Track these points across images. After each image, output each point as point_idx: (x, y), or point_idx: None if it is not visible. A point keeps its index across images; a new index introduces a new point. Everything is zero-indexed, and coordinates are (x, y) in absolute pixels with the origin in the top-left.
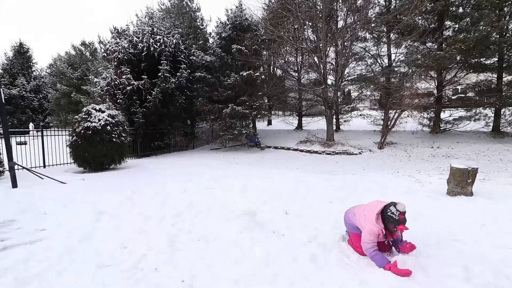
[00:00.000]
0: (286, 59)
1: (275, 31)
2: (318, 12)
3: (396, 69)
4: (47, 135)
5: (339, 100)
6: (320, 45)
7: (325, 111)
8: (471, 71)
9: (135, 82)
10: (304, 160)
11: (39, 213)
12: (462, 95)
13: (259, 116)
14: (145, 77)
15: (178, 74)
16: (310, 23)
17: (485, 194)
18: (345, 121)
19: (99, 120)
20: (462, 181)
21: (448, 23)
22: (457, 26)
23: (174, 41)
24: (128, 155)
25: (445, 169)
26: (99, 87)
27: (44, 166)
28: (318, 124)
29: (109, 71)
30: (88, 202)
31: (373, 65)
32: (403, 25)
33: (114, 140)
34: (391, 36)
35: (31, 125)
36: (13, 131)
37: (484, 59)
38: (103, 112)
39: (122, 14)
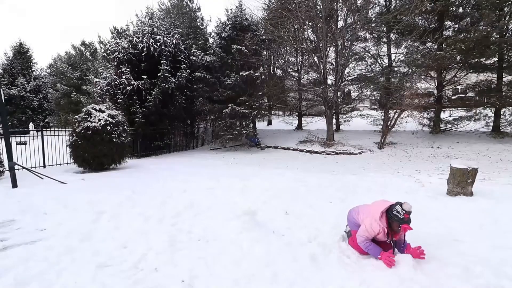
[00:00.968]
0: (286, 59)
1: (275, 31)
2: (318, 12)
3: (396, 69)
4: (47, 135)
5: (339, 100)
6: (320, 45)
7: (325, 111)
8: (471, 71)
9: (135, 82)
10: (304, 160)
11: (39, 213)
12: (462, 95)
13: (259, 116)
14: (145, 77)
15: (178, 74)
16: (310, 23)
17: (485, 194)
18: (345, 121)
19: (99, 120)
20: (462, 181)
21: (448, 23)
22: (457, 26)
23: (174, 41)
24: (128, 155)
25: (445, 169)
26: (99, 87)
27: (44, 166)
28: (318, 124)
29: (109, 71)
30: (88, 202)
31: (373, 65)
32: (403, 25)
33: (114, 140)
34: (391, 36)
35: (31, 125)
36: (13, 131)
37: (484, 59)
38: (103, 112)
39: (122, 14)
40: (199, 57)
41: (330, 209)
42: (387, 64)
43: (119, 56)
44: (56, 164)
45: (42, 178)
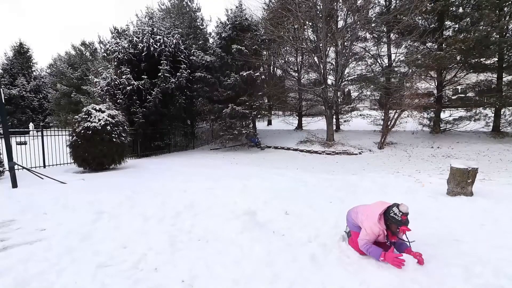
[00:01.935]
0: (286, 59)
1: (275, 31)
2: (318, 12)
3: (396, 69)
4: (47, 135)
5: (339, 100)
6: (320, 45)
7: (325, 111)
8: (471, 71)
9: (135, 82)
10: (304, 160)
11: (39, 213)
12: (462, 95)
13: (259, 116)
14: (145, 77)
15: (178, 74)
16: (310, 23)
17: (485, 194)
18: (345, 121)
19: (99, 120)
20: (462, 181)
21: (448, 23)
22: (457, 26)
23: (174, 41)
24: (128, 155)
25: (445, 169)
26: (99, 87)
27: (44, 166)
28: (318, 124)
29: (109, 71)
30: (88, 202)
31: (373, 65)
32: (403, 25)
33: (114, 140)
34: (391, 36)
35: (31, 125)
36: (13, 131)
37: (484, 59)
38: (103, 112)
39: (122, 14)
40: (199, 57)
41: (330, 209)
42: (387, 64)
43: (119, 56)
44: (56, 164)
45: (42, 178)
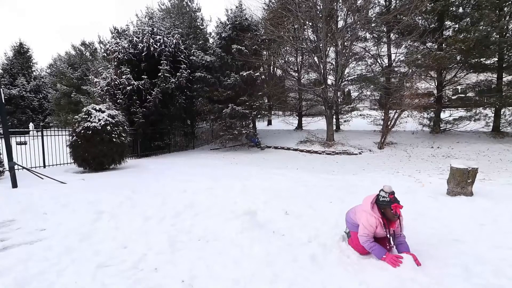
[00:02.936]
0: (286, 59)
1: (275, 31)
2: (318, 12)
3: (396, 69)
4: (47, 135)
5: (339, 100)
6: (320, 45)
7: (325, 111)
8: (471, 71)
9: (135, 82)
10: (304, 160)
11: (39, 213)
12: (462, 95)
13: (259, 116)
14: (145, 77)
15: (178, 74)
16: (310, 23)
17: (485, 194)
18: (345, 121)
19: (99, 120)
20: (462, 181)
21: (448, 23)
22: (457, 26)
23: (174, 41)
24: (128, 155)
25: (445, 169)
26: (99, 87)
27: (44, 166)
28: (318, 124)
29: (109, 71)
30: (88, 202)
31: (373, 65)
32: (403, 25)
33: (114, 140)
34: (391, 36)
35: (31, 125)
36: (13, 131)
37: (484, 59)
38: (103, 112)
39: (122, 14)
40: (199, 57)
41: (330, 209)
42: (387, 64)
43: (119, 56)
44: (56, 164)
45: (42, 178)
